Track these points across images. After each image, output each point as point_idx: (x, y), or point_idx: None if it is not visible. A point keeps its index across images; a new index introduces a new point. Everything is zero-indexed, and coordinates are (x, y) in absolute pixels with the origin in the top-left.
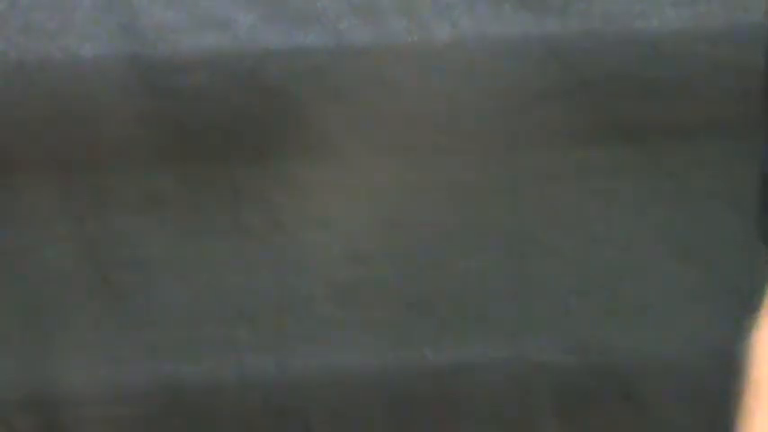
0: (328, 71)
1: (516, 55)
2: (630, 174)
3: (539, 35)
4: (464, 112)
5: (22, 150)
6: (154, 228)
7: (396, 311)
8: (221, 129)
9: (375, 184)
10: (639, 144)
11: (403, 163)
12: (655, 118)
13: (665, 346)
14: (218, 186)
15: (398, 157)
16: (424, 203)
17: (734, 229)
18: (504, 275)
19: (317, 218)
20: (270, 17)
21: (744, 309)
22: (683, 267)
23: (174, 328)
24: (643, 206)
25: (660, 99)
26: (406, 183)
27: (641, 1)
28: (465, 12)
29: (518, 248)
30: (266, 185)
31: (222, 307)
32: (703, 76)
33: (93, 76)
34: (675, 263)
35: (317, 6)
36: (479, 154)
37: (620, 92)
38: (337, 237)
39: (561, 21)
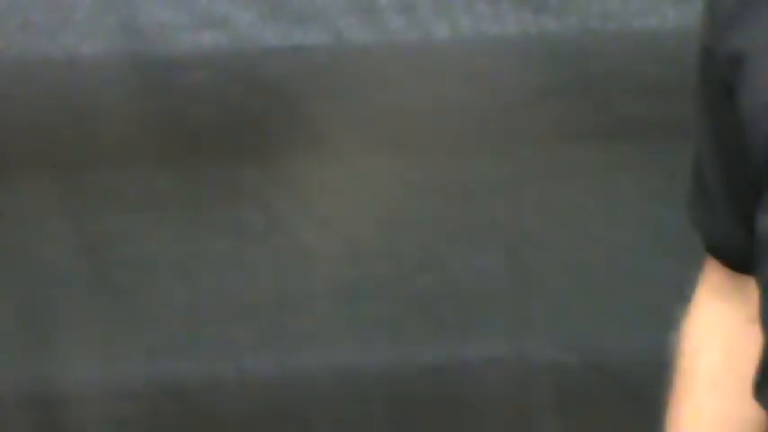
0: (328, 69)
1: (515, 54)
2: (630, 173)
3: (537, 34)
4: (463, 110)
5: (21, 148)
6: (154, 227)
7: (395, 311)
8: (220, 127)
9: (374, 182)
10: (638, 143)
11: (401, 161)
12: (654, 117)
13: (665, 345)
14: (217, 186)
15: (397, 156)
16: (423, 202)
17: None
18: (503, 275)
19: (317, 217)
20: (269, 16)
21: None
22: (682, 267)
23: (174, 327)
24: (643, 206)
25: (659, 98)
26: (405, 182)
27: None
28: (463, 11)
29: (518, 248)
30: (266, 185)
31: (222, 306)
32: None
33: (93, 74)
34: (675, 263)
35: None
36: (478, 152)
37: (619, 90)
38: (337, 236)
39: (559, 19)
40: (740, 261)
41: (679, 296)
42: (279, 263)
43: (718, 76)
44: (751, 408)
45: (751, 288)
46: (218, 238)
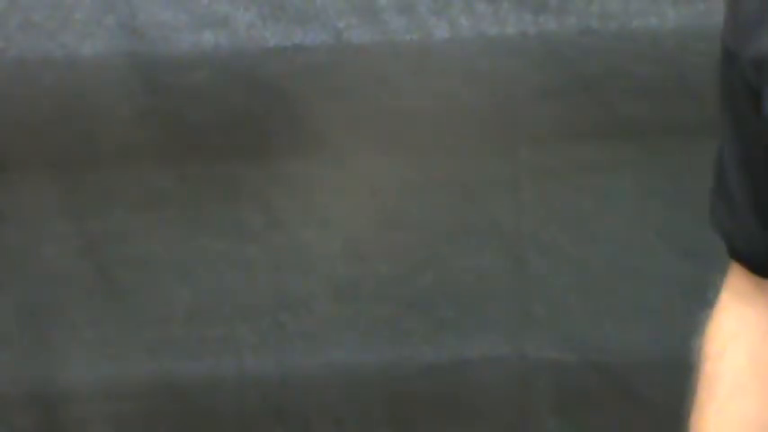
0: (328, 69)
1: (514, 53)
2: (629, 172)
3: (537, 34)
4: (462, 110)
5: (21, 148)
6: (153, 227)
7: (395, 311)
8: (221, 127)
9: (374, 182)
10: (638, 143)
11: (402, 161)
12: (653, 116)
13: (665, 345)
14: (217, 186)
15: (397, 156)
16: (423, 202)
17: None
18: (503, 275)
19: (317, 217)
20: (269, 16)
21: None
22: (682, 267)
23: (174, 327)
24: (642, 205)
25: (659, 97)
26: (405, 181)
27: None
28: (463, 11)
29: (518, 248)
30: (266, 185)
31: (222, 306)
32: (702, 75)
33: (93, 73)
34: (675, 262)
35: (316, 5)
36: (478, 152)
37: (619, 90)
38: (337, 236)
39: (559, 19)
40: (764, 265)
41: (679, 296)
42: (279, 263)
43: (741, 80)
44: None
45: None
46: (218, 238)
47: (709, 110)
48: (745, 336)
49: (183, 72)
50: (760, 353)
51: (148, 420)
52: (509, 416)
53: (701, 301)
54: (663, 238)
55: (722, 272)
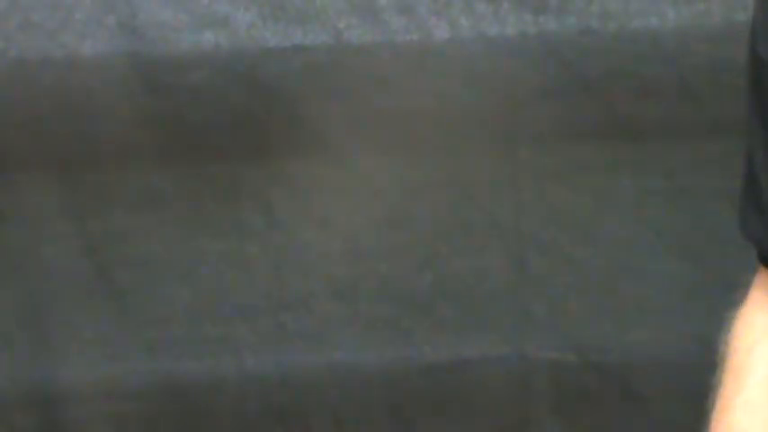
0: (328, 69)
1: (514, 53)
2: (629, 172)
3: (537, 33)
4: (462, 110)
5: (21, 148)
6: (154, 227)
7: (395, 311)
8: (221, 127)
9: (374, 182)
10: (638, 143)
11: (402, 161)
12: (653, 117)
13: (665, 345)
14: (217, 186)
15: (397, 156)
16: (423, 202)
17: (733, 229)
18: (503, 275)
19: (317, 217)
20: (269, 16)
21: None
22: (682, 267)
23: (174, 327)
24: (642, 205)
25: (659, 98)
26: (405, 181)
27: None
28: (463, 11)
29: (518, 248)
30: (266, 185)
31: (222, 306)
32: (702, 75)
33: (93, 73)
34: (675, 262)
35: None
36: (478, 152)
37: (619, 90)
38: (337, 235)
39: (559, 19)
40: None
41: (679, 296)
42: (279, 263)
43: None
44: None
45: None
46: (218, 238)
47: (710, 110)
48: None
49: (183, 72)
50: None
51: (148, 420)
52: (509, 416)
53: (700, 300)
54: (663, 238)
55: (720, 271)
